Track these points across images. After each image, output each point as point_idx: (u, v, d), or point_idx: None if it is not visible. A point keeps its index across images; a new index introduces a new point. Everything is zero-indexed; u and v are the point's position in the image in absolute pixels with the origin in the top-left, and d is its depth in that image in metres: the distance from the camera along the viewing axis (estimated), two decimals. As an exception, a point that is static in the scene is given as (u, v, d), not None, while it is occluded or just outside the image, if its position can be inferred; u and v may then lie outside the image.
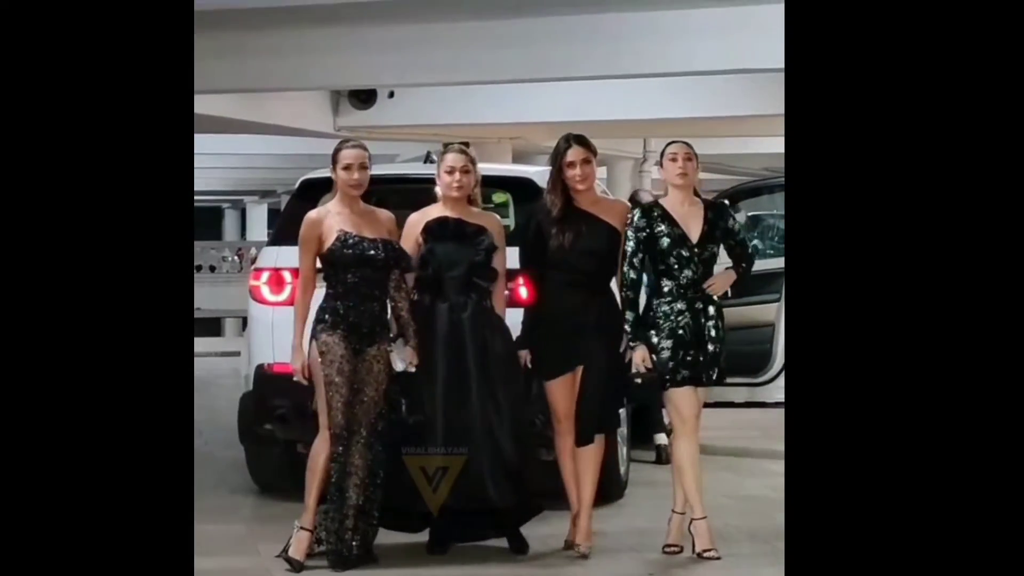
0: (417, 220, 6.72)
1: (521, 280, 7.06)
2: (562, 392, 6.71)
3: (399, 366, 6.46)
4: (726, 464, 9.09)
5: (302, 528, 6.45)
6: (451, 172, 6.67)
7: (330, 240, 6.45)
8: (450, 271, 6.62)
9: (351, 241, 6.44)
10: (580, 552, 6.67)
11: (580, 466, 6.72)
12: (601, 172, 21.87)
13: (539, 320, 6.73)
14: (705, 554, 6.58)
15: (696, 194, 6.72)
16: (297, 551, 6.44)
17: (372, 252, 6.46)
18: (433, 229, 6.66)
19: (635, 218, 6.64)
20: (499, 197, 7.27)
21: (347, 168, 6.52)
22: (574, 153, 6.66)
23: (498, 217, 6.91)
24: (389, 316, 6.56)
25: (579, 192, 6.70)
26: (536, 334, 6.71)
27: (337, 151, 6.60)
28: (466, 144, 6.86)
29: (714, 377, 6.67)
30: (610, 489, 7.73)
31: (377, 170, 6.86)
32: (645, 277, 6.73)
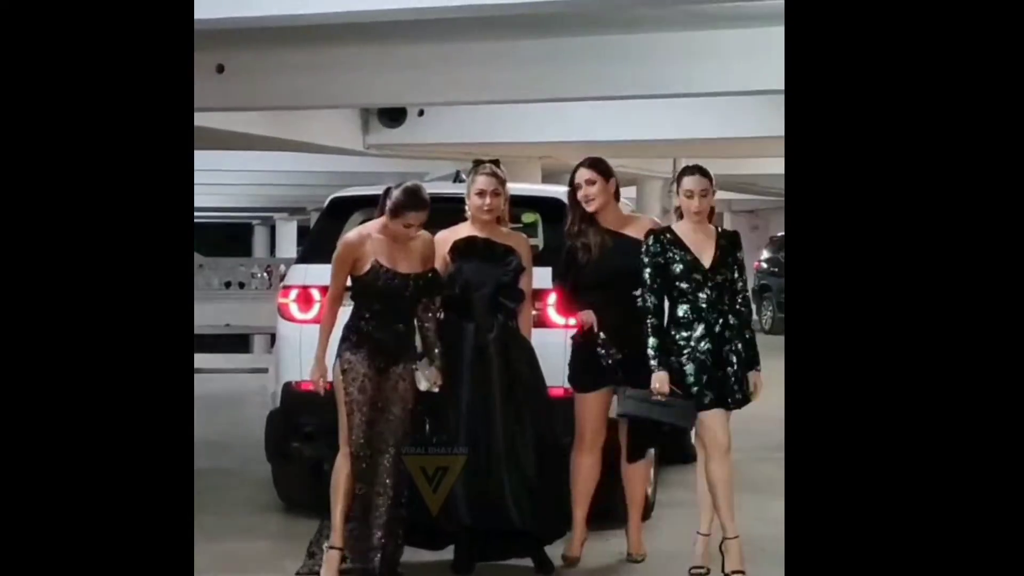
0: (445, 238, 6.73)
1: (551, 300, 7.11)
2: (593, 408, 6.74)
3: (423, 385, 6.46)
4: (753, 486, 9.05)
5: (331, 548, 6.45)
6: (481, 195, 6.69)
7: (364, 268, 6.40)
8: (477, 291, 6.63)
9: (383, 276, 6.40)
10: (637, 559, 6.96)
11: (631, 482, 6.93)
12: (630, 191, 21.85)
13: (578, 337, 6.77)
14: (733, 575, 6.58)
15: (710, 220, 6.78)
16: (329, 570, 6.43)
17: (402, 289, 6.42)
18: (461, 249, 6.67)
19: (648, 244, 6.63)
20: (528, 217, 7.29)
21: (407, 226, 6.38)
22: (579, 175, 6.82)
23: (526, 237, 6.92)
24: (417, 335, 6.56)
25: (601, 210, 6.78)
26: (573, 351, 6.77)
27: (401, 206, 6.33)
28: (496, 163, 6.86)
29: (739, 399, 6.66)
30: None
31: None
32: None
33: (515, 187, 7.06)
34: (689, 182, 6.66)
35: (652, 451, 6.94)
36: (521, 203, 7.50)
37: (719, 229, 6.77)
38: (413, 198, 6.36)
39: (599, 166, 6.85)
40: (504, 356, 6.60)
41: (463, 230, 6.76)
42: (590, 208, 6.79)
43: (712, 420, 6.60)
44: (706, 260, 6.62)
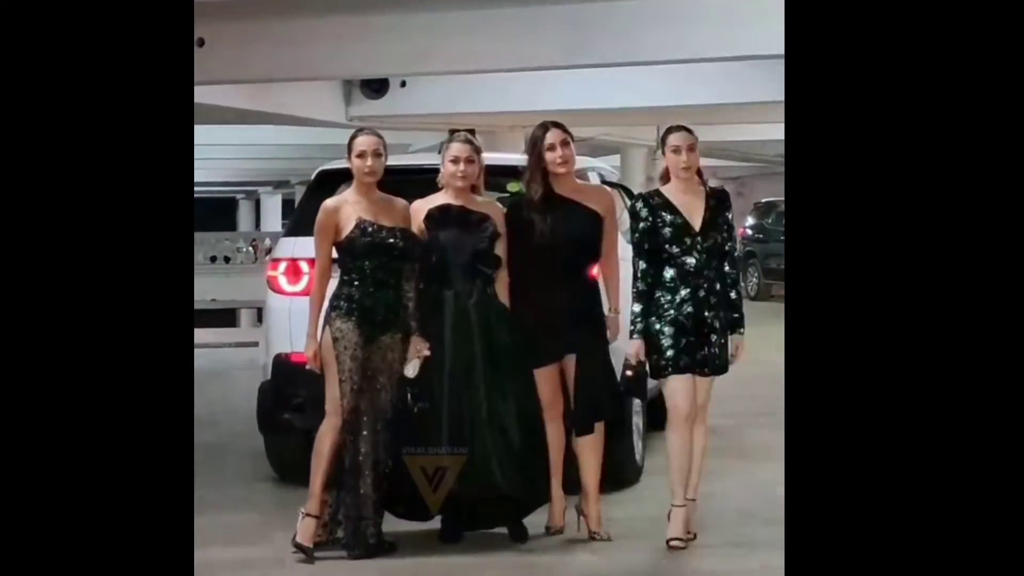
0: (419, 208, 6.71)
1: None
2: (549, 381, 6.72)
3: (411, 373, 6.50)
4: (737, 450, 9.11)
5: (307, 515, 6.49)
6: (455, 162, 6.68)
7: (348, 228, 6.49)
8: (454, 258, 6.62)
9: (370, 229, 6.48)
10: (599, 537, 6.75)
11: (581, 455, 6.78)
12: (614, 159, 21.86)
13: (525, 309, 6.70)
14: (671, 543, 6.56)
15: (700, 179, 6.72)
16: (304, 537, 6.47)
17: (391, 240, 6.50)
18: (436, 217, 6.66)
19: (638, 208, 6.62)
20: (513, 186, 7.29)
21: (361, 156, 6.55)
22: (553, 135, 6.72)
23: (500, 205, 6.92)
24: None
25: (560, 177, 6.72)
26: (522, 323, 6.69)
27: (352, 139, 6.64)
28: (471, 132, 6.90)
29: (718, 366, 6.63)
30: (626, 474, 7.78)
31: (392, 160, 6.88)
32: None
33: (500, 157, 7.06)
34: (676, 138, 6.59)
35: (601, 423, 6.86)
36: (505, 173, 7.50)
37: (708, 189, 6.72)
38: (359, 130, 6.71)
39: (566, 128, 6.83)
40: (484, 322, 6.61)
41: (437, 199, 6.74)
42: (563, 171, 6.71)
43: (676, 385, 6.56)
44: (696, 223, 6.57)
